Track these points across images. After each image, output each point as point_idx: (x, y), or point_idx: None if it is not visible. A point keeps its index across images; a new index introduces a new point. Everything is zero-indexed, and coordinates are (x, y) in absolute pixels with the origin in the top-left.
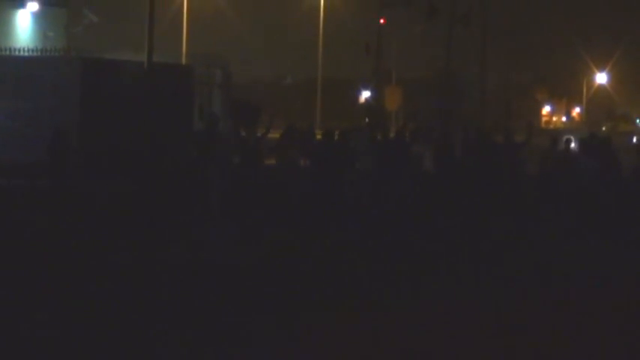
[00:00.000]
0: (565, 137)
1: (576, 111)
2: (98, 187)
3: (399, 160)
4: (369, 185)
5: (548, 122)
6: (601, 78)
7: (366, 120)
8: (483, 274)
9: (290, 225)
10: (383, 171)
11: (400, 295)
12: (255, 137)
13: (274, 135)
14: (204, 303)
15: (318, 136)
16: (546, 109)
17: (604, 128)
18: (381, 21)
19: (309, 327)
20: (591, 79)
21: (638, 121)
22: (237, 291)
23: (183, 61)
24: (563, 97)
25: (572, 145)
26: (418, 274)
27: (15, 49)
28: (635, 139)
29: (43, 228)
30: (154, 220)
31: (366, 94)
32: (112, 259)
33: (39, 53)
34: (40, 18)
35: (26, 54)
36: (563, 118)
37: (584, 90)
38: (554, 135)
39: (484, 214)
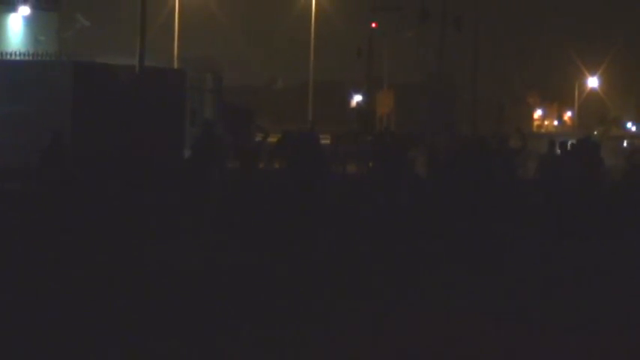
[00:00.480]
0: (560, 141)
1: (568, 115)
2: (93, 190)
3: (396, 163)
4: (357, 189)
5: (540, 126)
6: (592, 82)
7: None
8: (481, 276)
9: (286, 228)
10: (379, 174)
11: (398, 296)
12: (255, 142)
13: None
14: (202, 305)
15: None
16: (538, 113)
17: (596, 132)
18: (373, 25)
19: (307, 328)
20: (583, 83)
21: (628, 125)
22: (234, 294)
23: (175, 64)
24: (555, 101)
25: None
26: (416, 276)
27: (6, 53)
28: (625, 143)
29: (38, 232)
30: (150, 223)
31: (357, 98)
32: (110, 262)
33: (30, 57)
34: (31, 22)
35: (18, 58)
36: (555, 122)
37: (576, 94)
38: (552, 138)
39: (478, 217)
